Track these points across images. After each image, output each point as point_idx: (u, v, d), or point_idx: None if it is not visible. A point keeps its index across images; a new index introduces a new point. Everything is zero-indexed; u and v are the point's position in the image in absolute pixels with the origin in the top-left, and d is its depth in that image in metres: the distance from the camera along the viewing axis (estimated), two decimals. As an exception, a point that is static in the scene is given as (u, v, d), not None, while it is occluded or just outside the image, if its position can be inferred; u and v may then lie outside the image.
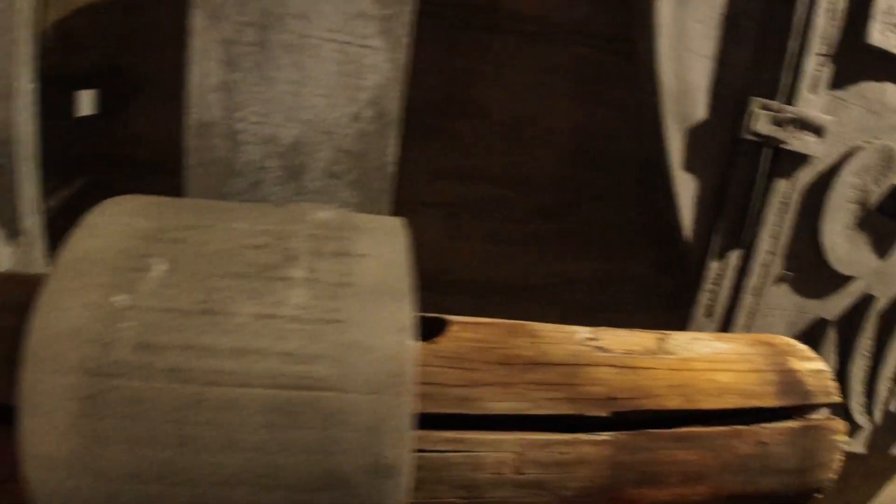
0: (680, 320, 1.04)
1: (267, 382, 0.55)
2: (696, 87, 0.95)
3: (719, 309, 1.00)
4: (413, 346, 0.58)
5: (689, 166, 0.96)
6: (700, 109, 0.96)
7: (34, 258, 0.89)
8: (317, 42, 0.81)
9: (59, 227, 0.92)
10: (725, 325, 1.02)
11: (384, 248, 0.63)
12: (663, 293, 1.05)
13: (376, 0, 0.81)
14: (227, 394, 0.54)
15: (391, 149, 0.85)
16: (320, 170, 0.84)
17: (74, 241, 0.58)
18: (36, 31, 0.86)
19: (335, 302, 0.58)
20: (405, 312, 0.59)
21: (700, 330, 1.04)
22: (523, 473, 0.68)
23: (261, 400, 0.54)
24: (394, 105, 0.83)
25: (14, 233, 0.86)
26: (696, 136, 0.96)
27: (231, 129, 0.83)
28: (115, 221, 0.61)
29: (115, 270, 0.57)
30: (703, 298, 0.99)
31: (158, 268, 0.57)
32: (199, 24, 0.80)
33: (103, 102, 0.98)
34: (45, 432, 0.53)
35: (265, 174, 0.84)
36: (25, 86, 0.85)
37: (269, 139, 0.83)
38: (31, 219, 0.88)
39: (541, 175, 1.02)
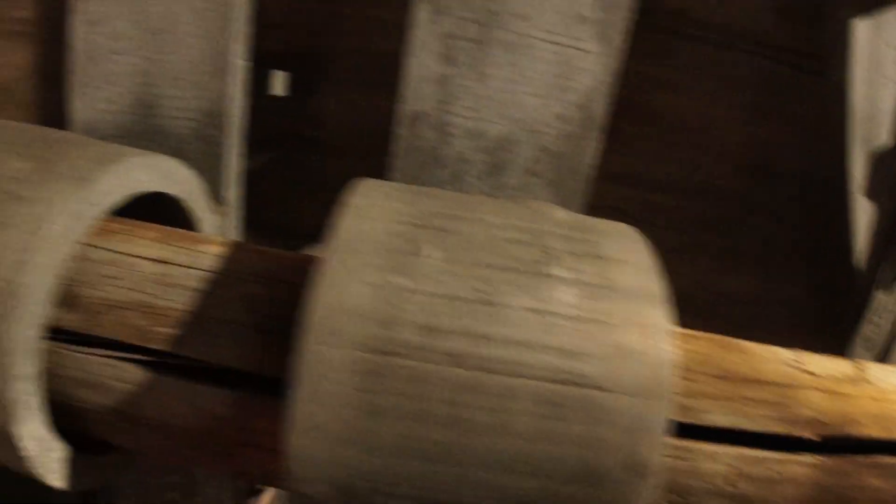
0: (829, 347, 1.03)
1: (539, 375, 0.56)
2: (885, 112, 0.95)
3: (879, 342, 0.99)
4: (674, 353, 0.59)
5: (870, 191, 0.96)
6: (885, 135, 0.95)
7: (230, 226, 0.92)
8: (534, 42, 0.82)
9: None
10: (882, 360, 1.01)
11: (633, 253, 0.63)
12: (814, 318, 1.05)
13: (596, 4, 0.81)
14: (503, 382, 0.55)
15: (592, 152, 0.85)
16: (521, 167, 0.85)
17: (346, 222, 0.60)
18: (250, 11, 0.88)
19: (600, 303, 0.59)
20: (665, 318, 0.60)
21: (855, 358, 1.03)
22: (735, 486, 0.68)
23: (533, 391, 0.55)
24: (600, 109, 0.84)
25: (216, 201, 0.88)
26: (880, 162, 0.96)
27: (441, 122, 0.84)
28: (378, 205, 0.63)
29: (390, 253, 0.58)
30: (866, 329, 0.98)
31: (433, 254, 0.58)
32: (422, 18, 0.82)
33: (292, 84, 1.01)
34: (319, 403, 0.55)
35: (468, 167, 0.85)
36: (239, 62, 0.87)
37: (476, 133, 0.84)
38: (232, 189, 0.90)
39: (708, 186, 1.03)
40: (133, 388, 0.65)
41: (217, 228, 0.88)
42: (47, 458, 0.68)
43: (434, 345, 0.55)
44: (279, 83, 0.97)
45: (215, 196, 0.87)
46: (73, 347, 0.66)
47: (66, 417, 0.69)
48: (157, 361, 0.64)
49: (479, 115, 0.83)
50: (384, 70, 1.03)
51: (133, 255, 0.67)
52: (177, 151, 0.89)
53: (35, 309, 0.62)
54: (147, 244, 0.69)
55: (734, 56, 1.01)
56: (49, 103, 0.98)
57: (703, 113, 1.01)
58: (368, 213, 0.61)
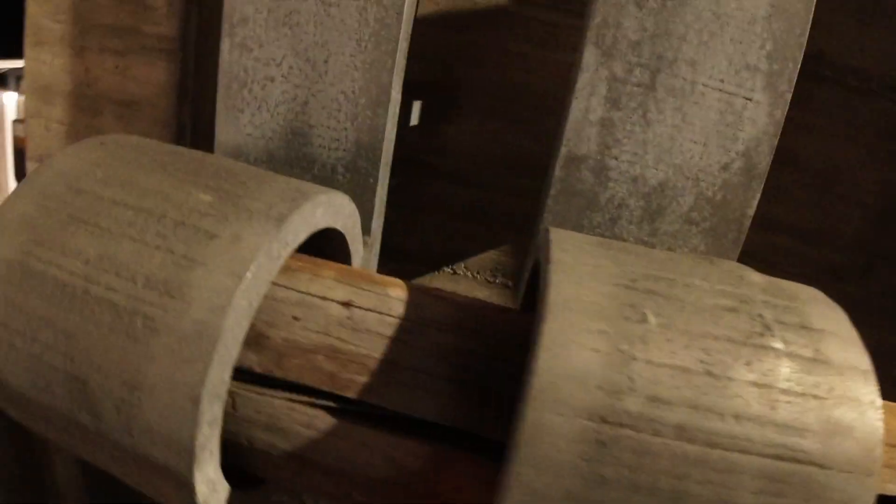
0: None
1: (762, 450, 0.55)
2: None
3: None
4: (884, 429, 0.58)
5: None
6: None
7: (372, 258, 0.91)
8: (703, 89, 0.81)
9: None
10: None
11: (837, 323, 0.62)
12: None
13: (768, 54, 0.80)
14: (728, 457, 0.54)
15: (752, 202, 0.84)
16: (678, 214, 0.84)
17: (558, 281, 0.59)
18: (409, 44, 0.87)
19: (815, 377, 0.58)
20: (875, 393, 0.59)
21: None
22: (912, 559, 0.67)
23: (756, 467, 0.55)
24: (764, 160, 0.83)
25: (365, 232, 0.87)
26: None
27: (602, 165, 0.83)
28: (585, 262, 0.61)
29: (613, 318, 0.57)
30: None
31: (654, 320, 0.57)
32: (590, 60, 0.80)
33: (423, 112, 1.00)
34: (540, 469, 0.54)
35: (624, 212, 0.84)
36: (395, 96, 0.86)
37: (636, 179, 0.83)
38: (378, 221, 0.89)
39: (839, 232, 1.01)
40: (317, 435, 0.64)
41: (363, 260, 0.87)
42: (214, 499, 0.67)
43: (661, 416, 0.54)
44: (414, 113, 0.96)
45: (364, 228, 0.86)
46: (255, 388, 0.65)
47: (232, 456, 0.68)
48: (346, 408, 0.63)
49: (639, 161, 0.82)
50: (515, 102, 1.02)
51: (320, 297, 0.67)
52: (323, 181, 0.88)
53: (229, 353, 0.61)
54: (332, 285, 0.68)
55: (869, 101, 0.99)
56: (183, 121, 0.97)
57: (836, 157, 1.00)
58: (578, 270, 0.60)
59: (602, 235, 0.85)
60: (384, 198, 0.90)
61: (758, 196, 0.84)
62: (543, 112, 0.99)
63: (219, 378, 0.60)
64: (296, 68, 0.85)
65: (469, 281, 1.07)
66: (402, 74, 0.86)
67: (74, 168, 0.71)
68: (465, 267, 1.06)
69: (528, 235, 1.09)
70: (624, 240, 0.85)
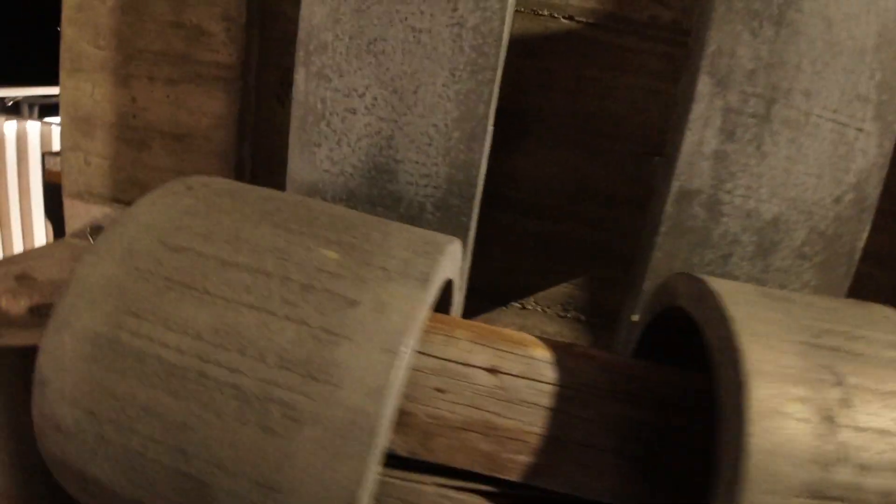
0: None
1: None
2: None
3: None
4: None
5: None
6: None
7: (461, 300, 0.84)
8: (817, 120, 0.78)
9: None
10: None
11: None
12: None
13: (877, 84, 0.78)
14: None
15: (863, 235, 0.82)
16: (792, 249, 0.81)
17: (747, 344, 0.54)
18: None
19: None
20: None
21: None
22: None
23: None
24: (874, 191, 0.81)
25: (458, 279, 0.80)
26: None
27: (715, 200, 0.79)
28: (759, 317, 0.57)
29: (808, 381, 0.53)
30: None
31: (848, 381, 0.53)
32: (704, 90, 0.77)
33: (494, 141, 0.93)
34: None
35: (737, 248, 0.80)
36: (490, 128, 0.80)
37: (750, 213, 0.79)
38: (468, 261, 0.83)
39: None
40: (474, 522, 0.57)
41: (458, 304, 0.80)
42: None
43: (868, 484, 0.50)
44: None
45: (461, 272, 0.79)
46: (399, 474, 0.58)
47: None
48: (508, 493, 0.57)
49: (753, 195, 0.79)
50: (587, 128, 0.97)
51: (462, 363, 0.60)
52: (411, 220, 0.81)
53: (384, 441, 0.53)
54: (469, 347, 0.61)
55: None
56: (244, 155, 0.88)
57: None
58: (759, 329, 0.55)
59: (713, 273, 0.81)
60: (474, 237, 0.84)
61: (868, 228, 0.82)
62: (616, 139, 0.95)
63: (374, 470, 0.53)
64: (381, 99, 0.77)
65: (539, 315, 1.01)
66: (496, 105, 0.79)
67: (163, 219, 0.61)
68: (534, 301, 1.00)
69: (607, 269, 1.04)
70: (735, 277, 0.81)
